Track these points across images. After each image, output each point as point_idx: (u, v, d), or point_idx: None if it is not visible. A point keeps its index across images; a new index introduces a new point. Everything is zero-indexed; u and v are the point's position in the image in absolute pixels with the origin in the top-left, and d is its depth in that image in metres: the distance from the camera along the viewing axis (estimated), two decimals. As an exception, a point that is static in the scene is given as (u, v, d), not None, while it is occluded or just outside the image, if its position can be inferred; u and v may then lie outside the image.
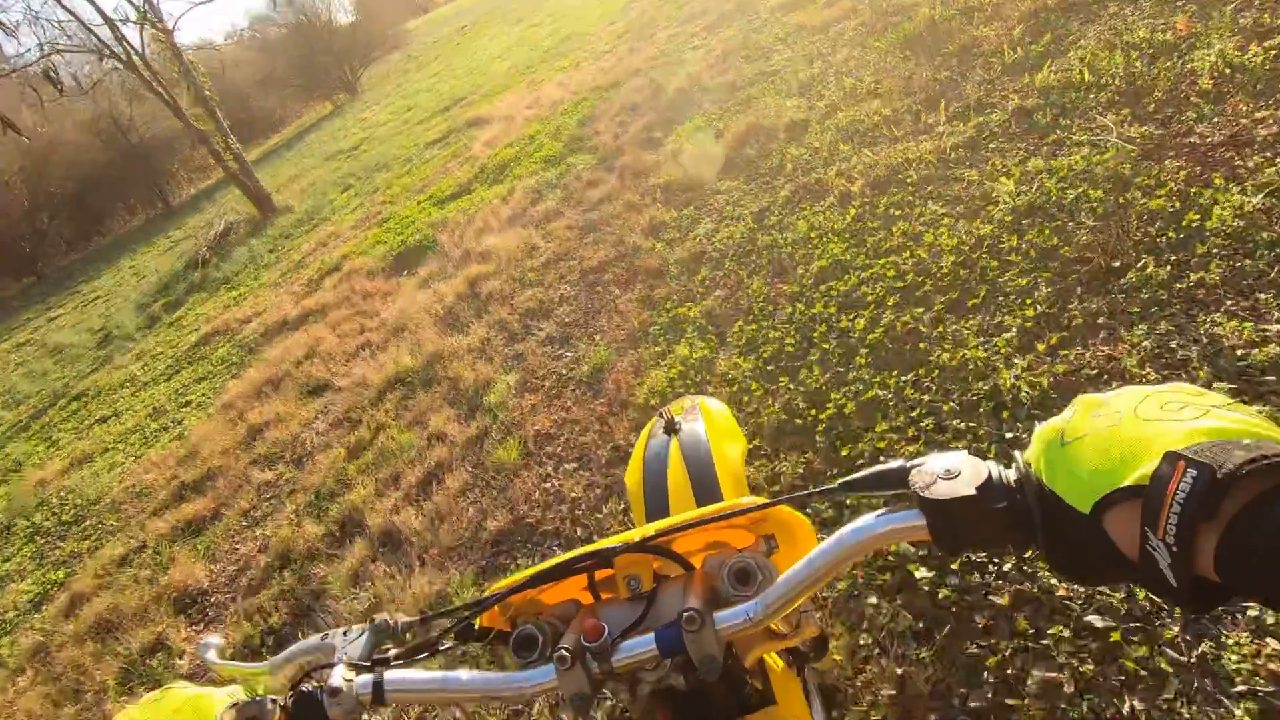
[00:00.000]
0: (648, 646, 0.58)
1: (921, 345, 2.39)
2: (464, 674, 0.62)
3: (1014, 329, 2.25)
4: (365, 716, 0.63)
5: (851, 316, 2.68)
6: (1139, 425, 0.41)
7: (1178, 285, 2.10)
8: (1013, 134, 3.17)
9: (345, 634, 0.70)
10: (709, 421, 1.19)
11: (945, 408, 2.13)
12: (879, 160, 3.52)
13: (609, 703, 1.77)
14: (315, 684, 0.63)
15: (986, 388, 2.11)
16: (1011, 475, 0.49)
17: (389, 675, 0.63)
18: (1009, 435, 1.95)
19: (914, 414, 2.16)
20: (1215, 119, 2.60)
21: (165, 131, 22.46)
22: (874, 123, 3.91)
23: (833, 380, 2.45)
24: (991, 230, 2.69)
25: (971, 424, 2.03)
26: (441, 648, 0.69)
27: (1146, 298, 2.11)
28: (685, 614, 0.55)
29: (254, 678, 0.76)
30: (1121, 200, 2.47)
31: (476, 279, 4.75)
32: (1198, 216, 2.25)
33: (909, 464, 0.52)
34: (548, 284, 4.26)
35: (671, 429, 1.18)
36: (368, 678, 0.63)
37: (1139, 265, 2.22)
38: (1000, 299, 2.41)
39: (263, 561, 3.16)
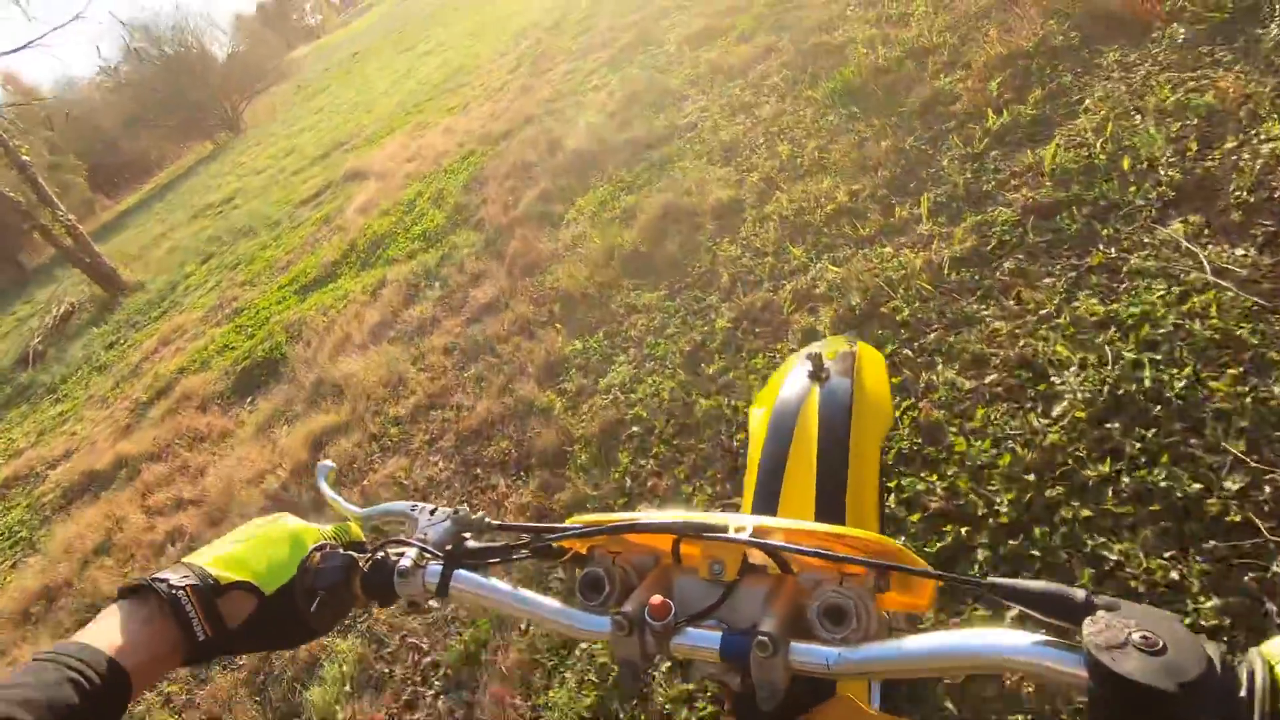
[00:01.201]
0: (710, 644, 0.53)
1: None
2: (525, 592, 0.62)
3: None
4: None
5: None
6: None
7: None
8: (1034, 247, 2.26)
9: (432, 512, 0.71)
10: (860, 379, 1.02)
11: None
12: (849, 277, 2.56)
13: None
14: (392, 554, 0.65)
15: None
16: (1241, 676, 0.34)
17: (458, 572, 0.63)
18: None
19: None
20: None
21: (12, 181, 19.80)
22: (829, 212, 2.96)
23: None
24: (1063, 460, 1.66)
25: None
26: (513, 558, 0.67)
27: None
28: (759, 638, 0.50)
29: (345, 514, 0.79)
30: (1259, 399, 1.56)
31: (322, 435, 3.55)
32: None
33: (1092, 598, 0.41)
34: (413, 451, 3.12)
35: (818, 375, 1.02)
36: (437, 567, 0.64)
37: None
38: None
39: None
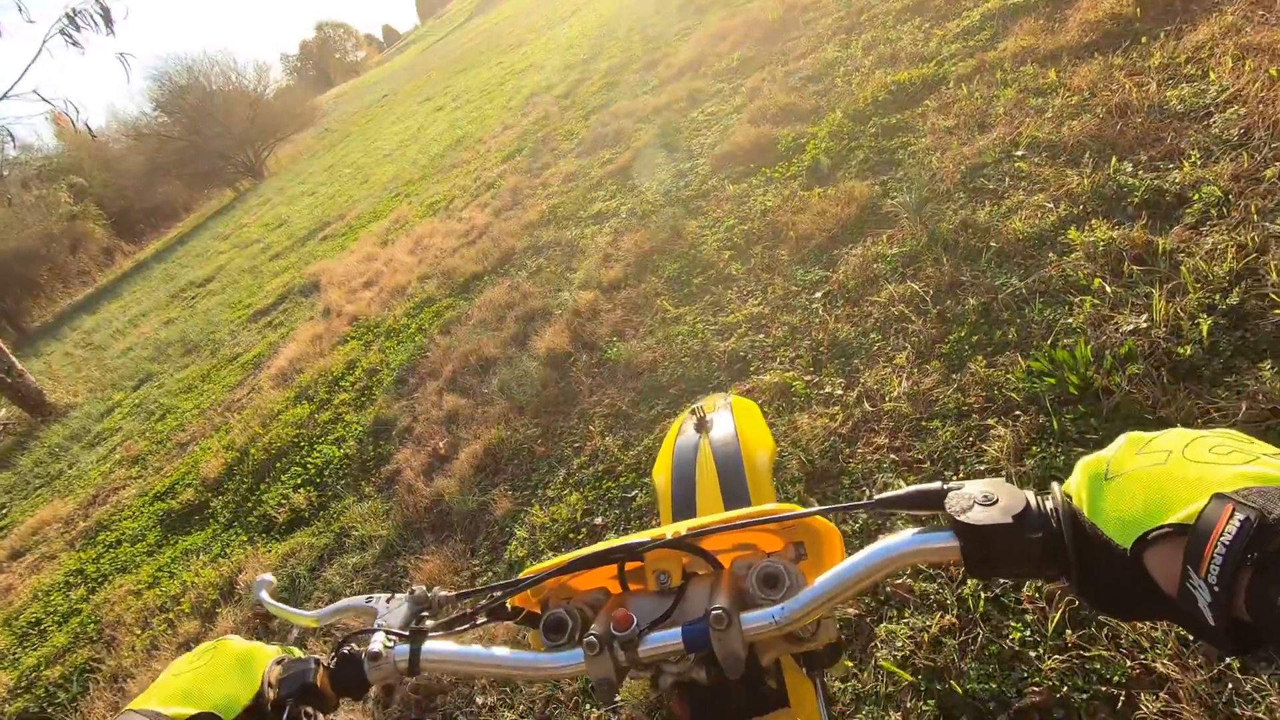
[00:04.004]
0: (674, 640, 0.57)
1: None
2: (496, 650, 0.63)
3: None
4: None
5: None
6: (1186, 466, 0.41)
7: None
8: None
9: (388, 600, 0.70)
10: (740, 421, 1.13)
11: None
12: None
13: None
14: (356, 647, 0.64)
15: None
16: (1049, 505, 0.47)
17: (426, 645, 0.64)
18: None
19: None
20: None
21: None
22: None
23: None
24: None
25: None
26: (476, 623, 0.68)
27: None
28: (713, 612, 0.55)
29: (299, 622, 0.77)
30: None
31: None
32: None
33: (947, 486, 0.52)
34: None
35: (703, 427, 1.13)
36: (406, 646, 0.63)
37: None
38: None
39: None
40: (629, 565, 0.66)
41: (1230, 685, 1.18)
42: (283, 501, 3.46)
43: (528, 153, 6.89)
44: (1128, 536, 0.41)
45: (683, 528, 0.65)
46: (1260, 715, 1.14)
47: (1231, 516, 0.35)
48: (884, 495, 0.55)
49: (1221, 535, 0.35)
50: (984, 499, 0.48)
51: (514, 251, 4.74)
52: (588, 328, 3.31)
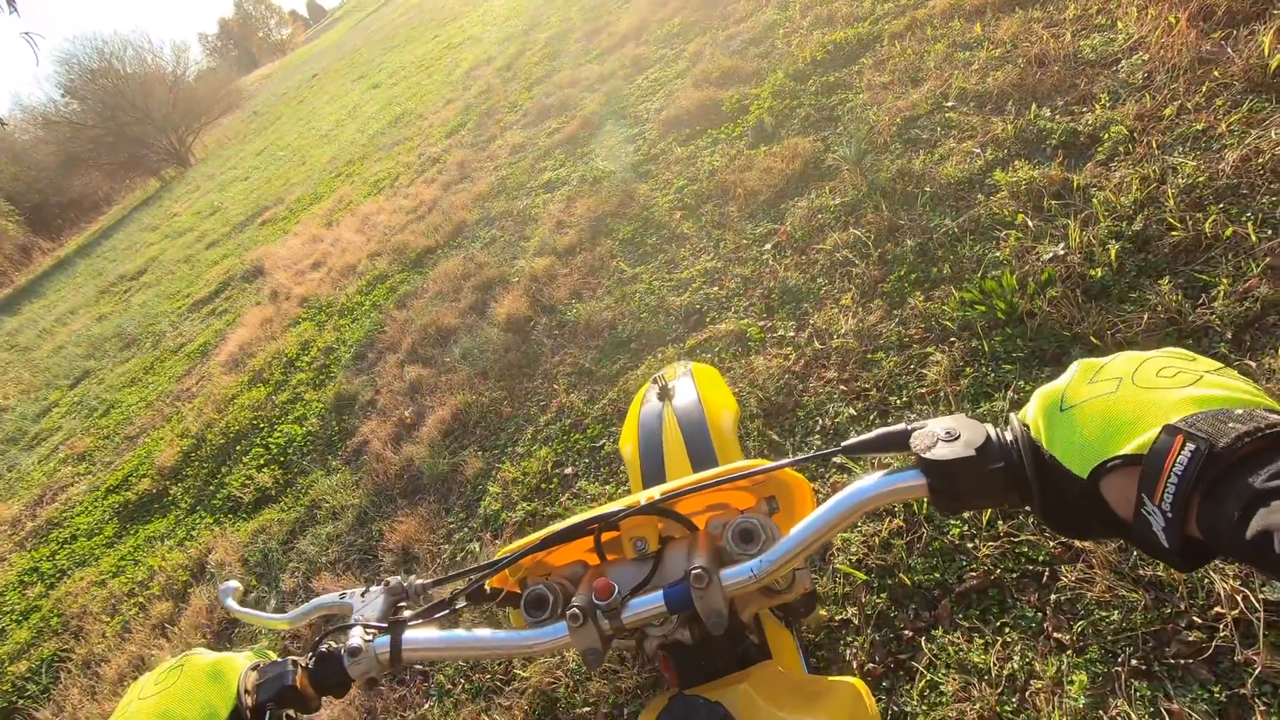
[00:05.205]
0: (656, 603, 0.58)
1: None
2: (479, 632, 0.62)
3: None
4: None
5: None
6: (1136, 393, 0.42)
7: None
8: None
9: (362, 594, 0.69)
10: (701, 386, 1.16)
11: None
12: None
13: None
14: (334, 644, 0.63)
15: None
16: (1009, 437, 0.49)
17: (406, 635, 0.63)
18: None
19: None
20: None
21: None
22: None
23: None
24: None
25: None
26: (455, 608, 0.67)
27: None
28: (694, 571, 0.56)
29: (271, 626, 0.75)
30: None
31: None
32: None
33: (910, 426, 0.52)
34: None
35: (665, 395, 1.15)
36: (386, 638, 0.62)
37: None
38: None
39: None
40: (605, 536, 0.66)
41: (1134, 553, 1.36)
42: (247, 482, 3.44)
43: (472, 126, 6.81)
44: (1084, 466, 0.42)
45: (655, 493, 0.66)
46: (1159, 573, 1.32)
47: (1182, 448, 0.37)
48: (850, 441, 0.56)
49: (1174, 466, 0.37)
50: (946, 435, 0.50)
51: (466, 224, 4.73)
52: (546, 292, 3.37)
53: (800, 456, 0.62)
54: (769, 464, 0.63)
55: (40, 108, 24.20)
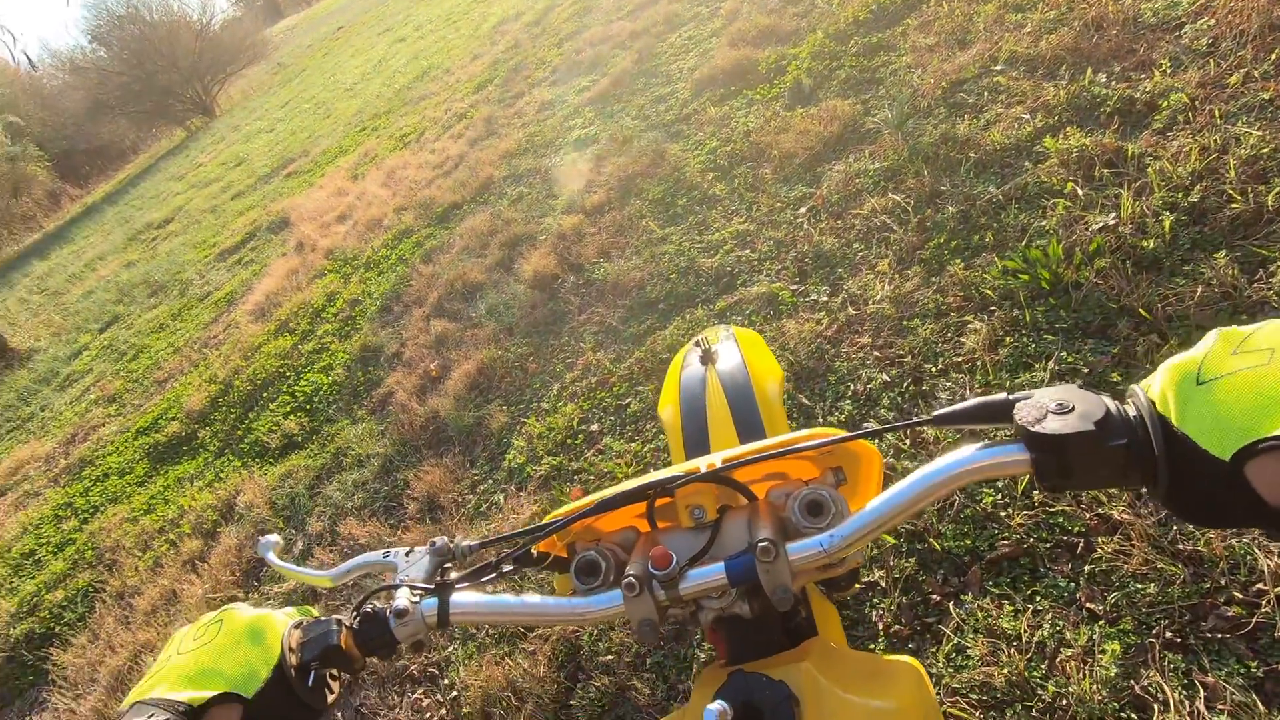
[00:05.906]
0: (716, 575, 0.55)
1: None
2: (528, 598, 0.60)
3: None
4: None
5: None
6: None
7: None
8: None
9: (407, 554, 0.67)
10: (747, 351, 1.12)
11: None
12: None
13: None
14: (377, 604, 0.61)
15: None
16: (1132, 411, 0.44)
17: (454, 598, 0.61)
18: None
19: None
20: None
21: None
22: None
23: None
24: None
25: None
26: (503, 572, 0.65)
27: None
28: (760, 544, 0.53)
29: (313, 583, 0.72)
30: None
31: None
32: None
33: (1013, 396, 0.49)
34: None
35: (709, 359, 1.10)
36: (433, 600, 0.61)
37: None
38: None
39: None
40: (659, 503, 0.63)
41: (1175, 527, 1.34)
42: (274, 428, 3.50)
43: (499, 82, 6.71)
44: (1227, 447, 0.38)
45: (717, 459, 0.63)
46: (1200, 548, 1.30)
47: None
48: (943, 410, 0.52)
49: None
50: (1058, 407, 0.46)
51: (493, 180, 4.69)
52: (574, 250, 3.35)
53: (883, 426, 0.58)
54: (843, 433, 0.59)
55: (67, 54, 24.18)
